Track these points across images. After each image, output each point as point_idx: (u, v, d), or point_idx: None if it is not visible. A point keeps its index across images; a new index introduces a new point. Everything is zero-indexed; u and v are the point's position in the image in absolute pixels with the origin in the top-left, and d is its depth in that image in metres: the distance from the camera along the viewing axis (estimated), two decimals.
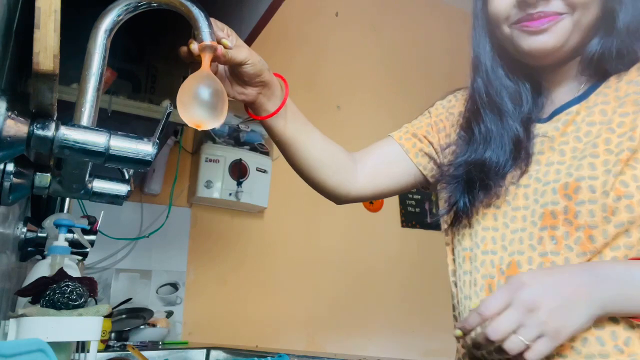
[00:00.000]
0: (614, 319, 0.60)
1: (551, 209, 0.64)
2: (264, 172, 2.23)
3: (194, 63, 0.63)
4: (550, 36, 0.66)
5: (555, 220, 0.63)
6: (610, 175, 0.61)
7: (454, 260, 0.81)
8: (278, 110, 0.76)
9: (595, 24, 0.67)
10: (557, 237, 0.63)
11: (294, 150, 0.82)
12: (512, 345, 0.55)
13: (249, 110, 0.76)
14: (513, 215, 0.69)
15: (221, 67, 0.70)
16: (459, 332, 0.62)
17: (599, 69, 0.68)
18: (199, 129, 0.61)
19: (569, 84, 0.73)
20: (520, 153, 0.71)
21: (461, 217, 0.75)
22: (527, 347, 0.55)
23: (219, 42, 0.63)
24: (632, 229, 0.59)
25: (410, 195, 2.82)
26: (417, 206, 2.83)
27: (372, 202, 2.65)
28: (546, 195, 0.66)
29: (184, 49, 0.63)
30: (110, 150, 0.51)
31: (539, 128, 0.72)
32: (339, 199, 0.89)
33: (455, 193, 0.77)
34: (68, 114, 0.56)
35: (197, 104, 0.60)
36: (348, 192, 0.87)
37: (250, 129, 2.26)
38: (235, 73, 0.70)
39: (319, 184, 0.86)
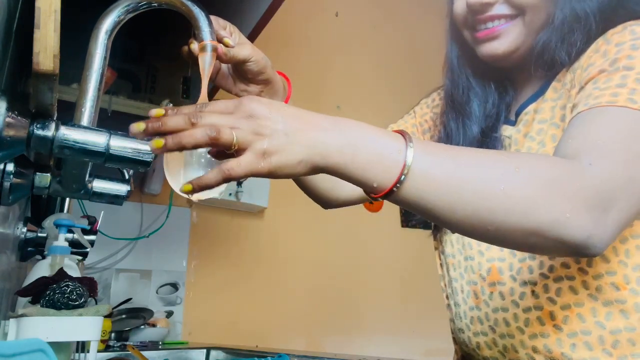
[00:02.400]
0: (592, 296, 0.59)
1: None
2: None
3: (196, 65, 0.62)
4: (501, 42, 0.67)
5: None
6: None
7: (441, 265, 0.83)
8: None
9: (545, 24, 0.67)
10: None
11: None
12: (224, 135, 0.44)
13: None
14: None
15: (224, 65, 0.70)
16: (160, 143, 0.46)
17: (550, 64, 0.67)
18: (193, 200, 0.50)
19: (531, 83, 0.73)
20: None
21: None
22: (235, 151, 0.45)
23: (220, 41, 0.62)
24: None
25: None
26: None
27: (372, 202, 2.65)
28: None
29: (185, 48, 0.62)
30: (110, 150, 0.51)
31: (505, 130, 0.73)
32: (327, 204, 0.88)
33: None
34: (68, 114, 0.56)
35: (190, 166, 0.51)
36: (337, 196, 0.86)
37: None
38: (238, 70, 0.70)
39: (309, 188, 0.85)
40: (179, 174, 0.52)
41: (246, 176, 0.46)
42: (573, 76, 0.64)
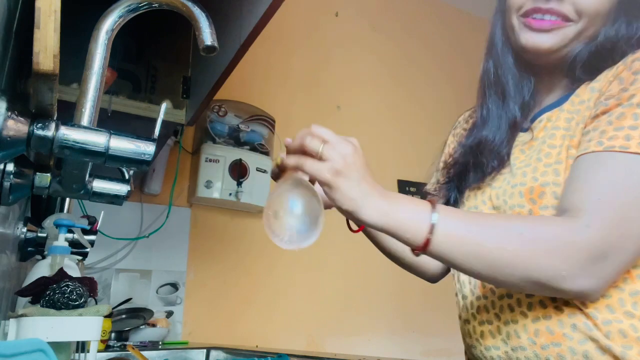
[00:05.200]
0: (558, 308, 0.63)
1: (518, 212, 0.68)
2: (264, 172, 2.23)
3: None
4: (550, 37, 0.68)
5: None
6: None
7: None
8: (360, 228, 0.81)
9: (594, 37, 0.68)
10: None
11: (382, 245, 0.89)
12: (312, 144, 0.59)
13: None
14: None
15: None
16: (279, 159, 0.65)
17: (575, 76, 0.70)
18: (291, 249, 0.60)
19: (559, 90, 0.74)
20: (514, 136, 0.74)
21: None
22: (315, 156, 0.59)
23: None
24: None
25: (411, 195, 2.82)
26: None
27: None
28: (514, 198, 0.69)
29: (274, 170, 0.67)
30: (110, 150, 0.51)
31: (520, 135, 0.76)
32: (433, 279, 0.94)
33: (447, 193, 0.82)
34: (68, 114, 0.56)
35: (288, 219, 0.58)
36: (435, 269, 0.91)
37: (250, 129, 2.26)
38: None
39: (411, 271, 0.93)
40: (279, 226, 0.59)
41: (311, 174, 0.59)
42: (591, 96, 0.67)
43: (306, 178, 0.61)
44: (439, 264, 0.90)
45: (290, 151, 0.64)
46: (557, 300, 0.64)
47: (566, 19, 0.67)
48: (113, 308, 1.81)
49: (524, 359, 0.66)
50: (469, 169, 0.78)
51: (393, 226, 0.59)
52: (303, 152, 0.61)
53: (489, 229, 0.58)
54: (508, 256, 0.56)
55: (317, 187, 0.61)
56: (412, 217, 0.59)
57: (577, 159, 0.62)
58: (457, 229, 0.58)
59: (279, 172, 0.66)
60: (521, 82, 0.76)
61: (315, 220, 0.58)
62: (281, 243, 0.59)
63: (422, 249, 0.59)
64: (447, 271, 0.91)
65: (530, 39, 0.69)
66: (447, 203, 0.82)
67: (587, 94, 0.68)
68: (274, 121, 2.35)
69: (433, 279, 0.93)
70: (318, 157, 0.59)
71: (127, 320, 1.81)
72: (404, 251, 0.87)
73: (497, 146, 0.75)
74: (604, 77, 0.66)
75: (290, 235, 0.58)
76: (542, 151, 0.68)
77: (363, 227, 0.80)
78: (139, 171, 0.72)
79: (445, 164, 0.88)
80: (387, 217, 0.59)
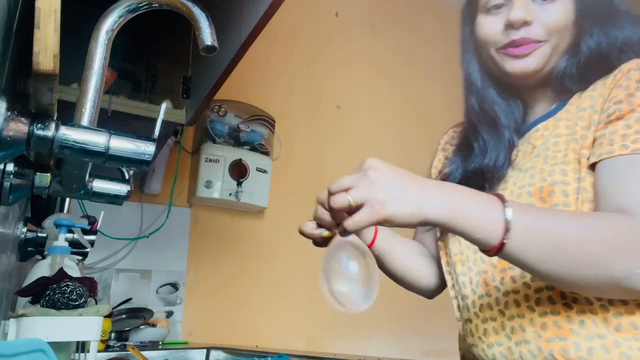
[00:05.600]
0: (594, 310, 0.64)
1: None
2: (264, 172, 2.23)
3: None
4: (532, 60, 0.74)
5: None
6: (579, 182, 0.67)
7: (447, 262, 0.86)
8: (373, 242, 0.82)
9: (567, 50, 0.75)
10: None
11: (387, 267, 0.87)
12: (337, 201, 0.56)
13: None
14: None
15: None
16: (325, 233, 0.64)
17: (564, 88, 0.75)
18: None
19: (545, 102, 0.80)
20: (512, 156, 0.78)
21: None
22: (350, 209, 0.56)
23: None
24: None
25: None
26: None
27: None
28: (522, 198, 0.71)
29: (319, 242, 0.67)
30: (110, 150, 0.51)
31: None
32: (430, 296, 0.94)
33: None
34: (68, 114, 0.56)
35: (345, 285, 0.59)
36: (435, 286, 0.92)
37: (250, 129, 2.26)
38: None
39: (410, 289, 0.92)
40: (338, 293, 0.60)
41: (366, 227, 0.56)
42: (594, 102, 0.70)
43: (351, 237, 0.60)
44: (437, 281, 0.91)
45: (324, 221, 0.63)
46: (567, 297, 0.65)
47: (539, 40, 0.73)
48: (113, 308, 1.81)
49: (527, 352, 0.67)
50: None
51: (461, 224, 0.56)
52: (337, 214, 0.59)
53: (565, 226, 0.57)
54: (587, 254, 0.56)
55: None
56: (482, 214, 0.56)
57: (604, 163, 0.64)
58: (532, 226, 0.56)
59: (322, 242, 0.67)
60: (511, 109, 0.81)
61: (371, 280, 0.59)
62: (344, 309, 0.60)
63: (495, 250, 0.56)
64: (442, 287, 0.92)
65: (516, 66, 0.75)
66: None
67: (586, 101, 0.72)
68: (274, 121, 2.35)
69: (430, 295, 0.94)
70: (354, 209, 0.56)
71: (127, 320, 1.81)
72: (405, 272, 0.88)
73: (499, 170, 0.78)
74: (601, 86, 0.71)
75: (350, 300, 0.60)
76: (548, 156, 0.72)
77: (372, 244, 0.81)
78: (139, 171, 0.72)
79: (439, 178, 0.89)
80: (453, 214, 0.56)
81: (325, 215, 0.63)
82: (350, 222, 0.56)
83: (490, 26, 0.76)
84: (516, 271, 0.71)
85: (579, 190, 0.67)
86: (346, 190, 0.56)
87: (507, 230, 0.55)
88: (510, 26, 0.73)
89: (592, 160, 0.66)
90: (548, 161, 0.71)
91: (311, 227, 0.67)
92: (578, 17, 0.73)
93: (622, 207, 0.60)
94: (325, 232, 0.63)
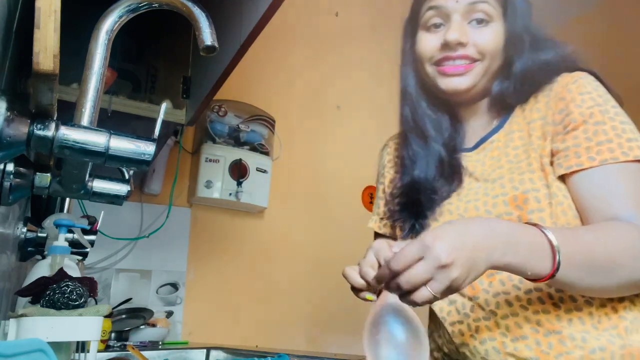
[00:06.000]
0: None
1: (508, 219, 0.73)
2: (264, 172, 2.23)
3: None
4: (464, 79, 0.79)
5: None
6: (547, 188, 0.73)
7: None
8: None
9: (498, 71, 0.81)
10: None
11: None
12: (421, 297, 0.57)
13: None
14: None
15: None
16: (369, 296, 0.65)
17: (504, 104, 0.82)
18: None
19: (482, 117, 0.86)
20: (444, 170, 0.83)
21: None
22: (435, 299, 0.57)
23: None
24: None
25: None
26: None
27: (372, 201, 2.65)
28: (498, 207, 0.76)
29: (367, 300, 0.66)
30: (110, 150, 0.51)
31: (466, 155, 0.85)
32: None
33: (406, 220, 0.85)
34: (68, 114, 0.56)
35: (393, 351, 0.56)
36: None
37: (250, 129, 2.26)
38: None
39: None
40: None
41: (434, 298, 0.57)
42: (543, 114, 0.77)
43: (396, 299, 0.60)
44: None
45: (369, 281, 0.64)
46: (554, 297, 0.71)
47: (473, 59, 0.79)
48: (113, 308, 1.81)
49: (524, 347, 0.71)
50: (419, 205, 0.83)
51: (517, 266, 0.61)
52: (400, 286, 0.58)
53: (594, 244, 0.64)
54: (617, 266, 0.63)
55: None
56: (531, 248, 0.60)
57: (579, 175, 0.71)
58: (572, 251, 0.61)
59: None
60: (438, 123, 0.86)
61: (419, 343, 0.58)
62: None
63: (547, 278, 0.61)
64: None
65: (450, 84, 0.80)
66: (403, 228, 0.85)
67: (534, 114, 0.79)
68: (274, 121, 2.35)
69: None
70: (425, 282, 0.56)
71: (127, 320, 1.81)
72: None
73: (430, 181, 0.84)
74: (544, 99, 0.79)
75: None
76: (512, 167, 0.77)
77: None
78: (139, 171, 0.72)
79: (391, 195, 0.91)
80: (514, 261, 0.60)
81: (372, 278, 0.64)
82: (419, 297, 0.57)
83: (429, 43, 0.82)
84: (503, 274, 0.73)
85: (549, 195, 0.73)
86: (411, 265, 0.57)
87: (556, 262, 0.60)
88: (446, 45, 0.79)
89: (562, 171, 0.73)
90: (514, 171, 0.76)
91: (357, 279, 0.67)
92: (508, 42, 0.79)
93: (616, 215, 0.67)
94: (369, 296, 0.64)
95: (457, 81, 0.79)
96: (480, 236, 0.59)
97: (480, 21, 0.79)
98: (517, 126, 0.81)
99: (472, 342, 0.75)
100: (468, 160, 0.84)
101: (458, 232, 0.58)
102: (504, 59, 0.81)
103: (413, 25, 0.88)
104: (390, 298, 0.61)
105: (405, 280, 0.56)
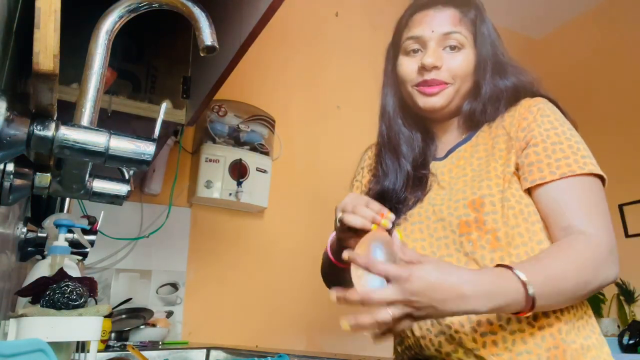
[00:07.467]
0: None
1: (465, 220, 0.83)
2: (264, 172, 2.23)
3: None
4: (439, 99, 0.90)
5: (469, 228, 0.82)
6: (502, 193, 0.82)
7: None
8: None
9: (469, 92, 0.92)
10: (472, 240, 0.81)
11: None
12: (380, 316, 0.68)
13: None
14: (435, 227, 0.86)
15: None
16: (345, 325, 0.75)
17: (473, 121, 0.93)
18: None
19: (453, 133, 0.97)
20: (410, 183, 0.93)
21: None
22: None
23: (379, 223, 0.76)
24: (521, 230, 0.81)
25: None
26: None
27: None
28: (459, 210, 0.84)
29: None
30: (110, 150, 0.51)
31: (437, 163, 0.94)
32: None
33: None
34: (68, 114, 0.56)
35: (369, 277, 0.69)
36: None
37: (250, 129, 2.26)
38: None
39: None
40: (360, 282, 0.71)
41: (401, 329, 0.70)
42: (507, 130, 0.88)
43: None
44: None
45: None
46: (529, 317, 0.78)
47: (445, 83, 0.89)
48: (113, 308, 1.81)
49: (525, 352, 0.77)
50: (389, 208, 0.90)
51: (497, 308, 0.69)
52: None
53: (561, 271, 0.73)
54: (579, 282, 0.74)
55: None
56: (508, 299, 0.68)
57: (543, 188, 0.82)
58: (542, 283, 0.70)
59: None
60: (411, 140, 0.97)
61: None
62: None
63: (524, 314, 0.71)
64: None
65: (427, 102, 0.91)
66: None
67: (499, 130, 0.89)
68: (274, 121, 2.35)
69: None
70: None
71: (127, 320, 1.81)
72: None
73: (397, 192, 0.93)
74: (509, 117, 0.89)
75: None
76: (475, 175, 0.87)
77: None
78: (139, 171, 0.72)
79: (366, 195, 0.98)
80: (482, 307, 0.67)
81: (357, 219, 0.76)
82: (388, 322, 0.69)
83: (408, 67, 0.93)
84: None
85: (502, 199, 0.82)
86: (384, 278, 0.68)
87: (530, 300, 0.69)
88: (423, 68, 0.89)
89: (527, 185, 0.83)
90: (475, 179, 0.86)
91: (357, 218, 0.77)
92: (477, 66, 0.91)
93: (570, 224, 0.78)
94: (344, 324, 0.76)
95: (433, 100, 0.90)
96: (455, 288, 0.66)
97: (453, 47, 0.90)
98: (483, 140, 0.91)
99: (428, 336, 0.83)
100: (437, 167, 0.94)
101: (435, 275, 0.66)
102: (473, 82, 0.92)
103: (395, 49, 1.00)
104: (378, 233, 0.72)
105: (377, 314, 0.69)
